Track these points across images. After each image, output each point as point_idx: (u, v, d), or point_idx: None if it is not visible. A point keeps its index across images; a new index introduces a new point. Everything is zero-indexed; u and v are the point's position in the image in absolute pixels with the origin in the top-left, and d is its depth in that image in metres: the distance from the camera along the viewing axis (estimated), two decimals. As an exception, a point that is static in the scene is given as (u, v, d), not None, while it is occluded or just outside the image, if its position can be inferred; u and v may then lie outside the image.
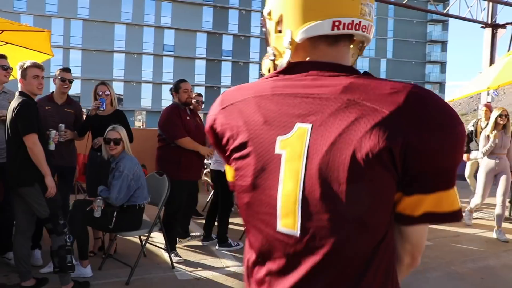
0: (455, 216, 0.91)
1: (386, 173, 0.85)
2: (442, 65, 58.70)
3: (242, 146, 0.97)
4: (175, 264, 4.24)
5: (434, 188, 0.88)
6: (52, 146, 3.85)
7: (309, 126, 0.90)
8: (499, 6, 12.10)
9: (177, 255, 4.42)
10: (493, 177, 5.94)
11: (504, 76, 6.21)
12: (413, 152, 0.83)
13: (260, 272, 0.99)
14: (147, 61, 44.56)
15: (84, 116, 4.61)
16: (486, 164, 5.96)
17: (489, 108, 7.26)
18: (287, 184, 0.90)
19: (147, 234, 4.02)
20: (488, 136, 5.88)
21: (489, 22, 12.25)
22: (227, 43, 47.15)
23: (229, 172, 1.08)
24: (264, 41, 1.11)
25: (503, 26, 12.30)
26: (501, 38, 12.35)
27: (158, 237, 4.73)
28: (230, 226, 5.09)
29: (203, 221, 5.70)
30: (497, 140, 5.79)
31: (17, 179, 3.40)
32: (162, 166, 4.43)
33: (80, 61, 41.23)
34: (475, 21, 12.34)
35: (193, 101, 6.51)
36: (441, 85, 59.02)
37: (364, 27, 0.96)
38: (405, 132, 0.82)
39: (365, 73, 0.95)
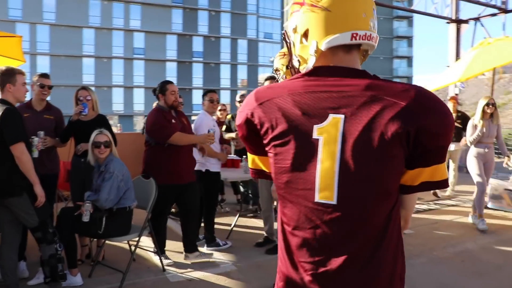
0: (443, 184, 1.22)
1: (402, 151, 1.12)
2: (409, 59, 59.83)
3: (283, 134, 1.19)
4: (165, 267, 4.23)
5: (433, 162, 1.17)
6: (35, 154, 3.78)
7: (342, 116, 1.14)
8: (462, 3, 12.43)
9: (166, 257, 4.41)
10: (482, 165, 5.89)
11: (472, 69, 6.41)
12: (423, 134, 1.11)
13: (296, 239, 1.20)
14: (117, 65, 43.87)
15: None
16: (475, 152, 5.92)
17: (455, 100, 7.47)
18: (325, 163, 1.14)
19: (136, 239, 3.99)
20: (475, 125, 5.86)
21: (453, 17, 12.56)
22: (197, 44, 46.90)
23: (258, 162, 1.37)
24: (287, 51, 1.37)
25: (466, 21, 12.64)
26: (464, 33, 12.70)
27: (145, 241, 4.70)
28: (216, 226, 5.12)
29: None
30: (484, 129, 5.78)
31: (5, 190, 3.31)
32: (148, 170, 4.37)
33: (49, 67, 40.19)
34: (440, 17, 12.63)
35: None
36: (409, 79, 60.09)
37: (372, 38, 1.23)
38: (418, 118, 1.10)
39: (374, 75, 1.22)
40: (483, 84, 48.31)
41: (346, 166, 1.13)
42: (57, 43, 40.94)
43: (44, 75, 4.35)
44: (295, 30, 1.29)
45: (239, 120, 1.31)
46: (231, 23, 48.04)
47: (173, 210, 6.36)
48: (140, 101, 44.47)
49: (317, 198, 1.16)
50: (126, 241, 4.23)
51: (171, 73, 45.52)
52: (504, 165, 6.03)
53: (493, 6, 11.85)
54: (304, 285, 1.20)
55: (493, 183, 7.04)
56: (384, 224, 1.17)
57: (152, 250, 4.45)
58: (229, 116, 6.94)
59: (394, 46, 58.99)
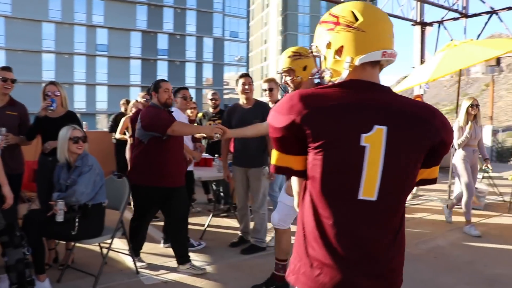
0: (435, 181, 1.56)
1: (423, 157, 1.42)
2: (372, 60, 61.05)
3: (331, 140, 1.35)
4: (139, 269, 4.10)
5: (433, 164, 1.50)
6: None
7: (385, 128, 1.36)
8: (427, 6, 12.71)
9: (140, 260, 4.28)
10: (469, 167, 5.70)
11: (440, 70, 6.54)
12: (442, 145, 1.43)
13: (337, 231, 1.39)
14: (79, 62, 42.63)
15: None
16: (462, 156, 5.70)
17: (421, 99, 7.62)
18: (371, 167, 1.36)
19: (109, 241, 3.85)
20: (461, 127, 5.66)
21: (418, 20, 12.85)
22: (162, 42, 46.25)
23: (289, 161, 1.46)
24: (315, 63, 1.60)
25: (430, 24, 12.96)
26: (429, 35, 13.01)
27: (116, 243, 4.53)
28: (189, 226, 4.99)
29: (160, 223, 5.57)
30: (471, 131, 5.58)
31: None
32: (135, 170, 4.15)
33: (4, 62, 38.58)
34: (406, 19, 12.89)
35: (143, 100, 6.35)
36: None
37: (393, 55, 1.45)
38: (441, 134, 1.42)
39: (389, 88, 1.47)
40: (442, 86, 49.87)
41: (387, 170, 1.37)
42: (14, 37, 39.20)
43: (5, 68, 4.12)
44: (328, 46, 1.48)
45: (281, 122, 1.40)
46: (197, 21, 47.63)
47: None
48: (103, 99, 43.47)
49: (360, 196, 1.38)
50: (97, 244, 4.07)
51: (135, 70, 44.76)
52: (484, 167, 5.96)
53: (455, 11, 12.19)
54: (344, 268, 1.39)
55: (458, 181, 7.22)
56: (402, 214, 1.48)
57: (125, 252, 4.29)
58: (200, 114, 6.84)
59: (358, 47, 60.04)
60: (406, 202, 6.37)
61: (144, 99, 6.29)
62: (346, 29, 1.42)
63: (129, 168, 6.17)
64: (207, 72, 48.90)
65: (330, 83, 1.49)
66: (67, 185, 3.67)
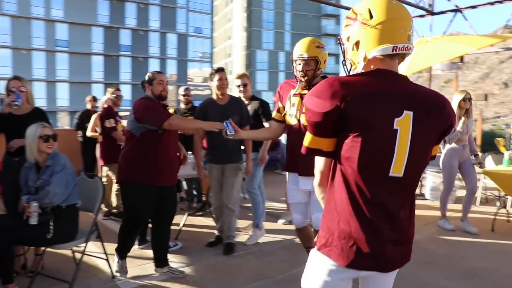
0: (435, 157, 1.79)
1: (436, 139, 1.68)
2: (337, 57, 61.69)
3: (369, 124, 1.52)
4: (115, 274, 3.92)
5: (437, 143, 1.73)
6: None
7: (411, 113, 1.56)
8: (394, 1, 12.83)
9: (122, 265, 4.00)
10: (457, 165, 5.54)
11: (414, 66, 6.59)
12: (450, 128, 1.69)
13: (370, 206, 1.58)
14: (38, 58, 41.09)
15: None
16: (452, 152, 5.50)
17: None
18: (401, 147, 1.56)
19: (83, 244, 3.65)
20: None
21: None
22: (125, 37, 45.21)
23: (321, 143, 1.64)
24: (342, 54, 1.78)
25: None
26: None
27: (89, 246, 4.31)
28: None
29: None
30: (463, 126, 5.35)
31: None
32: (126, 167, 3.84)
33: (-44, 57, 36.89)
34: (373, 15, 12.99)
35: (113, 96, 6.12)
36: (337, 75, 61.94)
37: (409, 48, 1.61)
38: (452, 118, 1.68)
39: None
40: (440, 78, 51.07)
41: (413, 150, 1.57)
42: (-34, 31, 37.51)
43: None
44: (348, 39, 1.69)
45: (323, 107, 1.54)
46: (160, 16, 46.86)
47: (114, 210, 6.00)
48: (64, 97, 42.13)
49: (391, 173, 1.58)
50: (69, 248, 3.85)
51: (97, 67, 43.61)
52: (477, 165, 5.72)
53: (422, 8, 12.34)
54: (377, 236, 1.59)
55: (431, 175, 7.34)
56: (416, 188, 1.71)
57: (99, 256, 4.08)
58: (171, 111, 6.64)
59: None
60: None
61: (114, 95, 6.05)
62: (362, 26, 1.61)
63: (101, 163, 5.98)
64: (171, 68, 48.21)
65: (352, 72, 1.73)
66: (37, 186, 3.44)
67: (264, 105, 5.13)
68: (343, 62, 1.77)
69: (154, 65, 46.23)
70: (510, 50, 16.04)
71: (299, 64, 3.11)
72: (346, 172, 1.60)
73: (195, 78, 49.49)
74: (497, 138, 7.32)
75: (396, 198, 1.61)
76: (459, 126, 5.32)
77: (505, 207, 5.94)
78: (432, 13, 12.22)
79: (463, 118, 5.34)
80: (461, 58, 12.30)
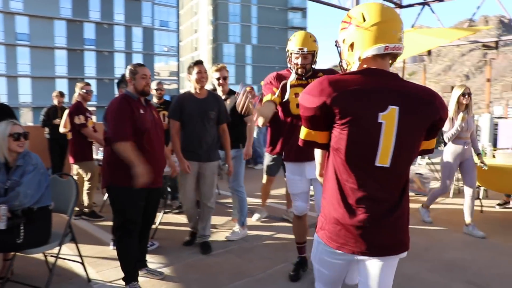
0: (432, 151, 1.88)
1: (425, 133, 1.74)
2: (303, 50, 61.91)
3: (354, 118, 1.66)
4: (91, 277, 3.73)
5: (432, 137, 1.81)
6: None
7: (397, 107, 1.66)
8: (362, -5, 12.93)
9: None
10: (458, 165, 5.22)
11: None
12: (440, 122, 1.74)
13: (358, 193, 1.73)
14: (-3, 52, 39.63)
15: None
16: (453, 150, 5.16)
17: None
18: (386, 139, 1.67)
19: (57, 248, 3.45)
20: (452, 118, 5.06)
21: (354, 8, 13.00)
22: (89, 31, 44.00)
23: (315, 136, 1.80)
24: (339, 56, 1.90)
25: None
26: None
27: (62, 249, 4.11)
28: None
29: (107, 223, 5.19)
30: (463, 123, 4.99)
31: None
32: (111, 169, 3.47)
33: None
34: (342, 8, 13.01)
35: (83, 91, 5.86)
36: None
37: (400, 48, 1.73)
38: (440, 112, 1.73)
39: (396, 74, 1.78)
40: (404, 70, 51.82)
41: (399, 142, 1.68)
42: None
43: None
44: (344, 41, 1.82)
45: (313, 103, 1.70)
46: (125, 10, 45.82)
47: (86, 210, 5.77)
48: (26, 92, 40.71)
49: (377, 163, 1.70)
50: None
51: (60, 61, 42.32)
52: (480, 164, 5.33)
53: (390, 1, 12.47)
54: (363, 222, 1.73)
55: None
56: (407, 178, 1.79)
57: (73, 259, 3.87)
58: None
59: (289, 36, 60.58)
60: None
61: (84, 90, 5.79)
62: (356, 28, 1.74)
63: (71, 160, 5.73)
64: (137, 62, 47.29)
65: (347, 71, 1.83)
66: (6, 188, 3.22)
67: None
68: (340, 63, 1.90)
69: (119, 60, 45.29)
70: (471, 43, 16.43)
71: (297, 58, 3.25)
72: (336, 162, 1.77)
73: (162, 72, 48.79)
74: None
75: (383, 186, 1.73)
76: (457, 123, 5.00)
77: (478, 198, 6.01)
78: (400, 6, 12.35)
79: (461, 114, 4.97)
80: (429, 51, 12.52)
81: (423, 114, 1.69)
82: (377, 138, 1.67)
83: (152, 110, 3.64)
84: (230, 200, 5.49)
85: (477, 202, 5.96)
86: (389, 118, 1.65)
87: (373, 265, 1.83)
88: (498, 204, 6.45)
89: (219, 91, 4.93)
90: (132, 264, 3.51)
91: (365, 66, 1.75)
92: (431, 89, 1.76)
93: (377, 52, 1.70)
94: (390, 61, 1.80)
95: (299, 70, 3.30)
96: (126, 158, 3.31)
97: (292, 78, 3.34)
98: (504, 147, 7.51)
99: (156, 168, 3.57)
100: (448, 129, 5.07)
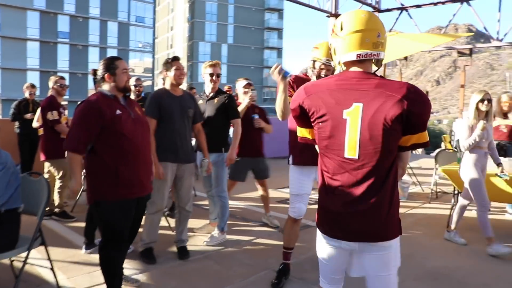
0: (426, 144, 1.91)
1: (399, 126, 1.81)
2: (279, 51, 62.08)
3: (323, 116, 1.89)
4: (61, 283, 3.47)
5: (418, 130, 1.86)
6: None
7: (361, 104, 1.82)
8: (341, -1, 12.89)
9: None
10: (481, 175, 4.69)
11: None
12: (411, 115, 1.79)
13: (334, 182, 1.92)
14: (-35, 41, 38.16)
15: None
16: (475, 160, 4.66)
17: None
18: (351, 133, 1.83)
19: (25, 253, 3.17)
20: (471, 126, 4.58)
21: (333, 12, 12.97)
22: (63, 24, 42.86)
23: (304, 132, 2.10)
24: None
25: (345, 16, 13.15)
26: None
27: (31, 252, 3.83)
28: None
29: (79, 225, 4.90)
30: (483, 132, 4.53)
31: None
32: (95, 183, 3.03)
33: None
34: (321, 10, 12.95)
35: (57, 85, 5.54)
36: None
37: (373, 55, 1.88)
38: (407, 106, 1.77)
39: (381, 76, 1.90)
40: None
41: (364, 135, 1.81)
42: None
43: None
44: (330, 47, 2.03)
45: (293, 105, 2.03)
46: (101, 3, 44.82)
47: (56, 210, 5.46)
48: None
49: (346, 155, 1.87)
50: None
51: (32, 53, 41.12)
52: (500, 173, 4.89)
53: (369, 5, 12.49)
54: (339, 208, 1.91)
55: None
56: (386, 171, 1.86)
57: (42, 264, 3.61)
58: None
59: (265, 37, 60.68)
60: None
61: (58, 84, 5.48)
62: (336, 36, 1.95)
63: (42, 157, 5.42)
64: (112, 57, 46.37)
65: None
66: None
67: (231, 100, 4.72)
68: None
69: (93, 54, 44.30)
70: (444, 49, 16.64)
71: (322, 69, 3.35)
72: (319, 155, 2.02)
73: (136, 68, 47.98)
74: (444, 135, 7.50)
75: (354, 176, 1.87)
76: (476, 131, 4.51)
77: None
78: (379, 10, 12.37)
79: (481, 123, 4.48)
80: (406, 56, 12.58)
81: (385, 107, 1.78)
82: (343, 133, 1.85)
83: (135, 108, 3.22)
84: (207, 202, 5.26)
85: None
86: (353, 114, 1.83)
87: (361, 255, 1.97)
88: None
89: (209, 89, 4.69)
90: (119, 278, 3.18)
91: (345, 69, 1.95)
92: (404, 84, 1.83)
93: (349, 59, 1.90)
94: (375, 65, 1.97)
95: (318, 77, 3.37)
96: (70, 169, 3.01)
97: None
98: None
99: (143, 173, 3.19)
100: (466, 138, 4.60)
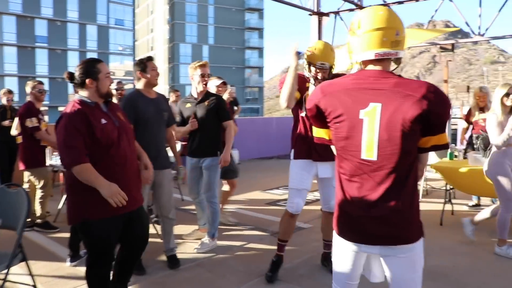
0: (446, 146, 1.87)
1: (418, 126, 1.76)
2: (260, 50, 62.05)
3: (340, 116, 1.86)
4: (45, 301, 3.27)
5: (438, 132, 1.81)
6: None
7: (379, 104, 1.78)
8: (324, -4, 12.78)
9: None
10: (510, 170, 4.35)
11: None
12: (430, 115, 1.74)
13: (352, 184, 1.88)
14: None
15: None
16: (504, 157, 4.33)
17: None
18: (369, 134, 1.79)
19: (4, 271, 2.97)
20: (501, 122, 4.26)
21: (315, 10, 12.88)
22: (40, 28, 42.02)
23: (321, 133, 2.05)
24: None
25: (327, 14, 13.08)
26: (326, 25, 13.11)
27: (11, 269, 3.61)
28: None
29: (63, 235, 4.69)
30: None
31: None
32: (76, 204, 2.82)
33: None
34: (303, 8, 12.84)
35: (36, 90, 5.30)
36: (260, 69, 62.46)
37: (391, 54, 1.83)
38: (426, 106, 1.72)
39: (399, 75, 1.85)
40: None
41: (382, 136, 1.76)
42: None
43: None
44: (348, 44, 1.94)
45: (309, 104, 1.98)
46: (79, 6, 44.12)
47: (39, 220, 5.23)
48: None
49: (363, 156, 1.82)
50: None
51: (10, 59, 40.27)
52: None
53: (351, 2, 12.42)
54: (357, 211, 1.85)
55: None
56: (406, 173, 1.81)
57: (24, 281, 3.39)
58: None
59: (246, 37, 60.56)
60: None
61: (37, 90, 5.25)
62: (353, 34, 1.89)
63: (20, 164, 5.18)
64: (92, 61, 45.72)
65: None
66: None
67: (222, 101, 4.56)
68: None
69: (73, 58, 43.60)
70: (425, 45, 16.70)
71: (318, 73, 3.37)
72: (337, 157, 1.97)
73: (117, 72, 47.34)
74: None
75: (372, 178, 1.82)
76: (509, 128, 4.14)
77: (450, 200, 5.89)
78: (361, 7, 12.29)
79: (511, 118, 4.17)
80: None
81: (403, 108, 1.73)
82: (359, 133, 1.80)
83: (117, 113, 2.99)
84: (194, 207, 5.07)
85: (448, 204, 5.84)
86: (370, 115, 1.77)
87: (384, 259, 1.90)
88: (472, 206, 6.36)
89: (198, 90, 4.49)
90: None
91: (363, 67, 1.89)
92: (423, 83, 1.78)
93: (367, 58, 1.84)
94: (395, 63, 1.92)
95: (315, 79, 3.42)
96: (88, 182, 2.69)
97: (311, 84, 3.49)
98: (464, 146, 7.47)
99: (133, 185, 2.93)
100: (498, 134, 4.24)
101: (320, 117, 1.95)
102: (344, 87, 1.86)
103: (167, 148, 4.15)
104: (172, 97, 9.07)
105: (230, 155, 4.63)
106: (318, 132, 2.05)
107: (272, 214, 5.83)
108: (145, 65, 3.89)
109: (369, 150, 1.79)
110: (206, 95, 4.52)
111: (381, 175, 1.80)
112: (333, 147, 2.03)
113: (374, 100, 1.77)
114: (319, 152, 3.49)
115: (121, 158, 2.83)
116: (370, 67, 1.86)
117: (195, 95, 4.53)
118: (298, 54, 3.31)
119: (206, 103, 4.45)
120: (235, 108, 5.33)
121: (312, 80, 3.44)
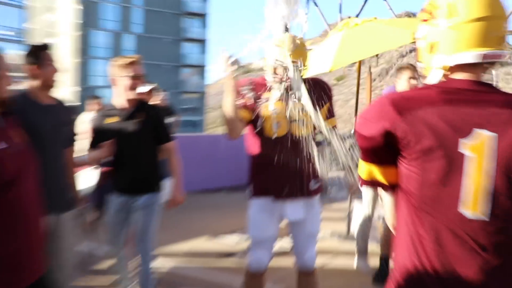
0: None
1: None
2: (202, 43, 62.76)
3: (430, 148, 1.61)
4: None
5: None
6: None
7: (490, 133, 1.58)
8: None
9: None
10: None
11: (344, 57, 6.38)
12: None
13: (442, 256, 1.61)
14: None
15: None
16: None
17: None
18: (475, 178, 1.57)
19: None
20: None
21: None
22: None
23: (375, 172, 1.79)
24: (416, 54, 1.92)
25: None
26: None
27: None
28: None
29: None
30: None
31: None
32: None
33: None
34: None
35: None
36: (202, 68, 62.94)
37: (499, 56, 1.68)
38: None
39: (504, 91, 1.74)
40: (331, 74, 54.18)
41: (499, 183, 1.57)
42: None
43: None
44: (425, 37, 1.79)
45: (370, 130, 1.70)
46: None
47: None
48: None
49: (468, 214, 1.59)
50: None
51: None
52: None
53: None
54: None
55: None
56: None
57: None
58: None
59: (183, 24, 61.03)
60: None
61: None
62: (436, 25, 1.71)
63: None
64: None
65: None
66: None
67: (161, 115, 4.41)
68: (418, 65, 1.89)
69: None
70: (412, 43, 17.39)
71: (286, 72, 3.23)
72: (408, 210, 1.70)
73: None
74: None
75: (482, 246, 1.58)
76: None
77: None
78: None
79: None
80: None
81: None
82: (456, 177, 1.59)
83: (15, 131, 2.54)
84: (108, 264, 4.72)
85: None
86: (477, 148, 1.59)
87: None
88: None
89: (126, 99, 4.15)
90: None
91: (450, 76, 1.73)
92: None
93: (472, 61, 1.66)
94: (485, 70, 1.76)
95: (279, 82, 3.34)
96: None
97: (274, 92, 3.38)
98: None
99: (35, 245, 2.52)
100: None
101: (384, 149, 1.71)
102: (431, 102, 1.64)
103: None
104: (90, 108, 8.79)
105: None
106: (369, 171, 1.81)
107: (228, 272, 5.57)
108: (38, 57, 3.52)
109: (475, 203, 1.57)
110: (138, 106, 4.19)
111: (493, 241, 1.59)
112: (385, 197, 1.87)
113: (480, 125, 1.59)
114: (287, 186, 3.42)
115: (22, 206, 2.39)
116: (459, 75, 1.70)
117: (120, 106, 4.17)
118: (235, 63, 3.19)
119: (138, 117, 4.12)
120: (171, 120, 5.15)
121: (277, 86, 3.38)
